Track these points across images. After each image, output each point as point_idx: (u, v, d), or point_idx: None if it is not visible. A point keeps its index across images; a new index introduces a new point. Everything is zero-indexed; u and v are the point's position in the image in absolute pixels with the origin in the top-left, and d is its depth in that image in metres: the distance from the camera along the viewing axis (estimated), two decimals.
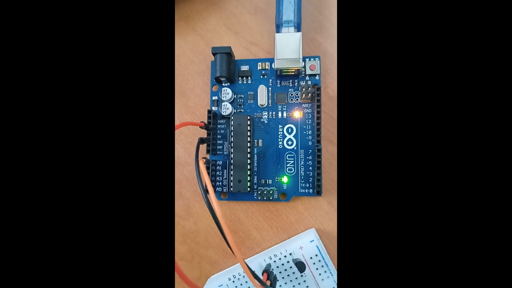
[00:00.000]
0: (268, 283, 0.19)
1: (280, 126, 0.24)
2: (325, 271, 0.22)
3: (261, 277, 0.19)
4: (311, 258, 0.22)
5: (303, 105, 0.24)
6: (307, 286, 0.22)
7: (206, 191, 0.17)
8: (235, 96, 0.25)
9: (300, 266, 0.21)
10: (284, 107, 0.24)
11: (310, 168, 0.23)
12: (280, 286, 0.22)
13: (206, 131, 0.24)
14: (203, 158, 0.22)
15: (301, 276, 0.22)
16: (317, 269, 0.22)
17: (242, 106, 0.25)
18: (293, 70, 0.23)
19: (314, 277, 0.22)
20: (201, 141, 0.21)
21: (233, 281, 0.22)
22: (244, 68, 0.25)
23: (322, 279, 0.22)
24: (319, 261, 0.22)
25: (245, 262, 0.16)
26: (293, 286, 0.22)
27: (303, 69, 0.24)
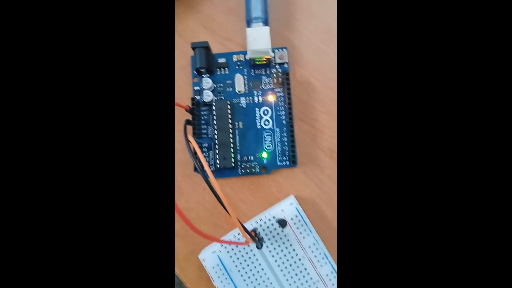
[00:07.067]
0: (257, 239, 0.22)
1: (257, 109, 0.27)
2: (305, 229, 0.25)
3: None
4: (291, 219, 0.25)
5: (275, 89, 0.28)
6: (291, 244, 0.25)
7: (194, 153, 0.20)
8: (215, 85, 0.28)
9: (282, 222, 0.24)
10: (259, 93, 0.28)
11: (286, 143, 0.27)
12: (267, 246, 0.25)
13: (191, 116, 0.27)
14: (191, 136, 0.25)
15: (285, 236, 0.25)
16: (297, 228, 0.25)
17: (222, 94, 0.28)
18: (265, 59, 0.27)
19: (295, 235, 0.25)
20: (188, 122, 0.24)
21: (225, 247, 0.25)
22: (221, 60, 0.28)
23: (303, 237, 0.25)
24: (299, 221, 0.25)
25: (237, 220, 0.19)
26: (278, 245, 0.25)
27: (273, 59, 0.28)
